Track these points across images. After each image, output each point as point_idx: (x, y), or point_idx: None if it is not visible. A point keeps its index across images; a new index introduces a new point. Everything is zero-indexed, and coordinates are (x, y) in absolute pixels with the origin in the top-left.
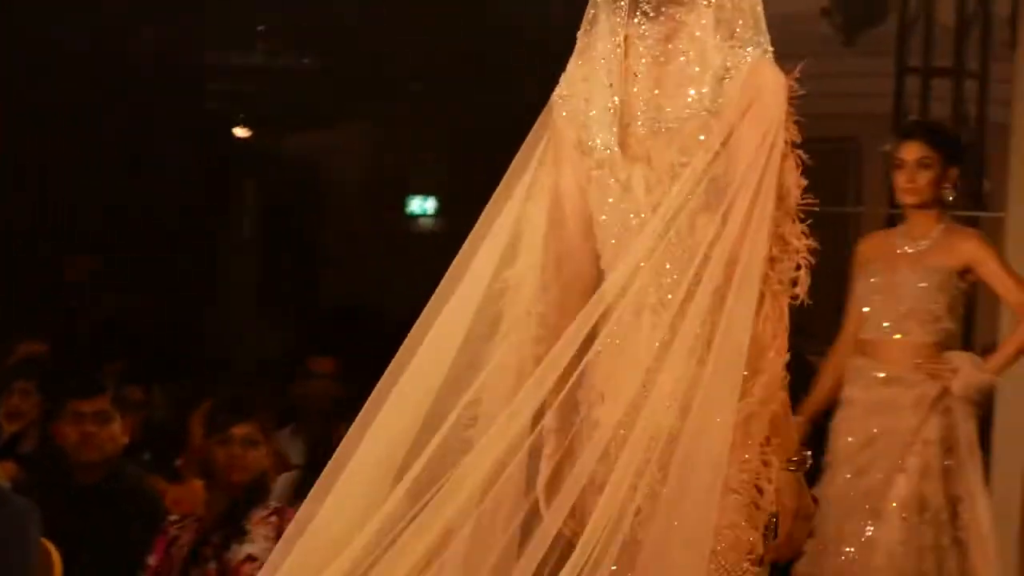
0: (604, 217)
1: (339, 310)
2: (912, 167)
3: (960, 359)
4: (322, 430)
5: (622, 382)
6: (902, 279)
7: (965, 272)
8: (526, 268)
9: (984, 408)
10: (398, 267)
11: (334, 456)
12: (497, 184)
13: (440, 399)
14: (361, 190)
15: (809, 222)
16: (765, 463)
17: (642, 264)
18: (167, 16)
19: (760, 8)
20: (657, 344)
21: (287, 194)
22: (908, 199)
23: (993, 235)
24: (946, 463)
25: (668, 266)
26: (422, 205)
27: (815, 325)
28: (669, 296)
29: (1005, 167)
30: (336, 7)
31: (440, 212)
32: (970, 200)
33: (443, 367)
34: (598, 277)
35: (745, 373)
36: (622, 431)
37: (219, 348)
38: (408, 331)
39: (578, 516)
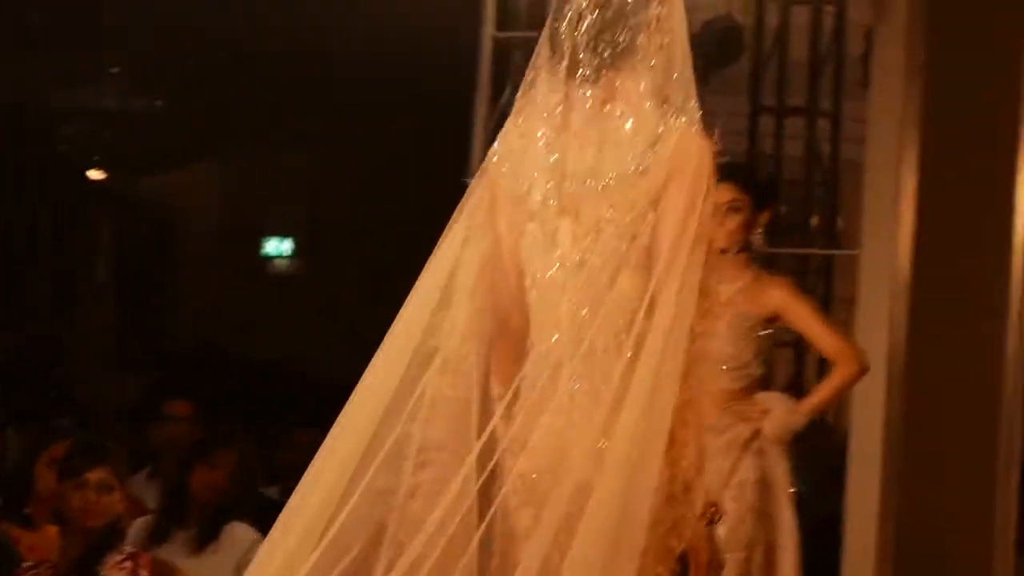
0: (533, 268)
1: (195, 352)
2: (721, 210)
3: (772, 400)
4: (178, 474)
5: (543, 433)
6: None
7: (773, 319)
8: (459, 313)
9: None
10: (255, 308)
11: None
12: (355, 225)
13: (378, 435)
14: (217, 232)
15: None
16: (677, 522)
17: (563, 317)
18: (13, 58)
19: (691, 76)
20: (574, 396)
21: (142, 236)
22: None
23: (848, 273)
24: (764, 503)
25: (588, 319)
26: (278, 247)
27: None
28: (593, 346)
29: (859, 205)
30: (189, 48)
31: (296, 253)
32: (824, 238)
33: (379, 406)
34: (526, 327)
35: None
36: (544, 482)
37: (72, 391)
38: (267, 372)
39: (505, 565)
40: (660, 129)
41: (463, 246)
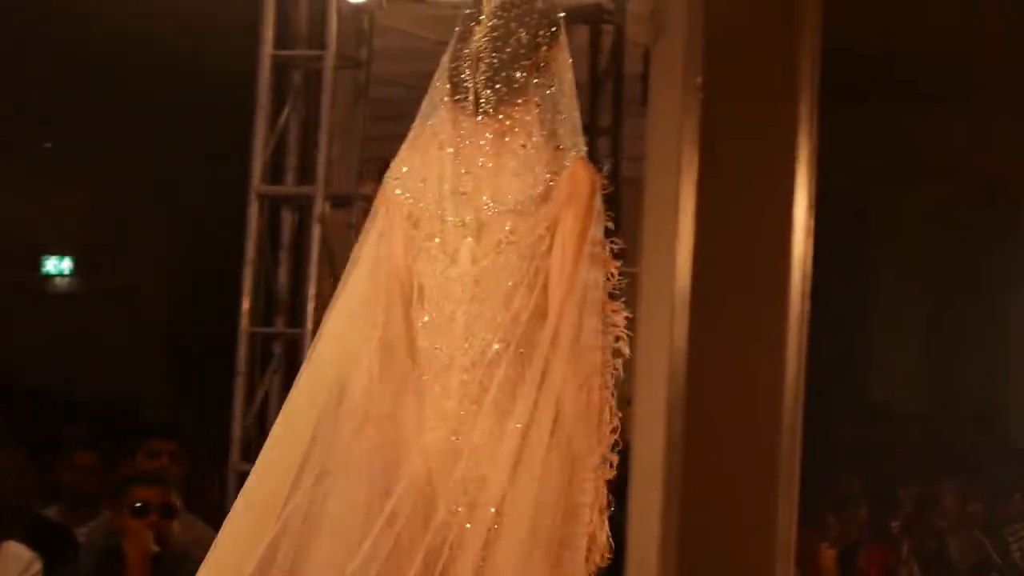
0: (431, 282)
1: None
2: None
3: None
4: None
5: (433, 435)
6: None
7: None
8: (361, 328)
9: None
10: (31, 328)
11: None
12: (137, 242)
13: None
14: None
15: None
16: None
17: (459, 327)
18: None
19: (578, 113)
20: (459, 399)
21: None
22: None
23: (628, 290)
24: None
25: (482, 332)
26: (57, 265)
27: None
28: (480, 356)
29: (639, 223)
30: None
31: (76, 272)
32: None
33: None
34: (412, 339)
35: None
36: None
37: None
38: (45, 394)
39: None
40: (553, 161)
41: (372, 266)
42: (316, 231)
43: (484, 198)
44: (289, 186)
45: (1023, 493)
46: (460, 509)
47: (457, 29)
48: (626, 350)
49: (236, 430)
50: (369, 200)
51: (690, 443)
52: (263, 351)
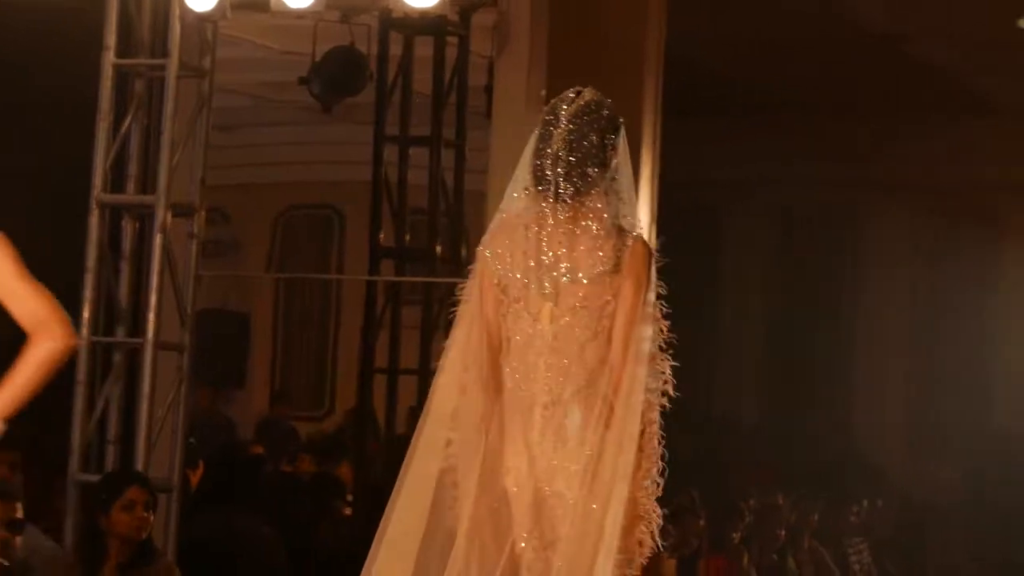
0: (518, 337)
1: None
2: None
3: None
4: None
5: (516, 459)
6: None
7: None
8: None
9: None
10: None
11: None
12: None
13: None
14: None
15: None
16: (640, 542)
17: (540, 374)
18: None
19: (635, 196)
20: (540, 431)
21: None
22: None
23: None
24: None
25: (560, 378)
26: None
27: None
28: (558, 397)
29: (483, 234)
30: None
31: None
32: (449, 267)
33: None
34: (500, 381)
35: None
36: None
37: None
38: None
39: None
40: (619, 241)
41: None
42: (157, 240)
43: (562, 269)
44: (130, 195)
45: (861, 505)
46: (544, 522)
47: (537, 131)
48: (671, 391)
49: (76, 439)
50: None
51: None
52: (103, 360)
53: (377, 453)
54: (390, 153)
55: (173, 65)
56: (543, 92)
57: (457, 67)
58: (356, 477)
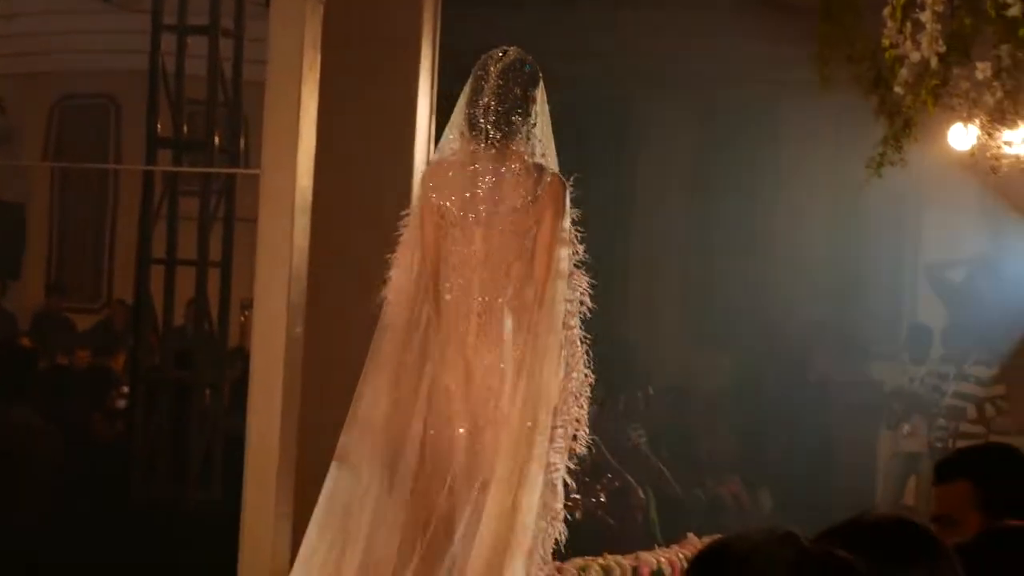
0: (454, 258)
1: None
2: None
3: None
4: None
5: (452, 361)
6: None
7: None
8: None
9: None
10: None
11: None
12: None
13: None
14: None
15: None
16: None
17: (475, 287)
18: None
19: (551, 141)
20: (475, 335)
21: None
22: None
23: (250, 192)
24: None
25: (492, 290)
26: None
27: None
28: (489, 306)
29: (260, 125)
30: None
31: None
32: (227, 157)
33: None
34: (439, 293)
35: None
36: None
37: None
38: None
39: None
40: (539, 177)
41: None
42: None
43: (492, 200)
44: None
45: (636, 394)
46: (477, 411)
47: (469, 84)
48: (588, 303)
49: None
50: None
51: (310, 345)
52: None
53: (155, 345)
54: (167, 42)
55: None
56: None
57: None
58: (134, 369)
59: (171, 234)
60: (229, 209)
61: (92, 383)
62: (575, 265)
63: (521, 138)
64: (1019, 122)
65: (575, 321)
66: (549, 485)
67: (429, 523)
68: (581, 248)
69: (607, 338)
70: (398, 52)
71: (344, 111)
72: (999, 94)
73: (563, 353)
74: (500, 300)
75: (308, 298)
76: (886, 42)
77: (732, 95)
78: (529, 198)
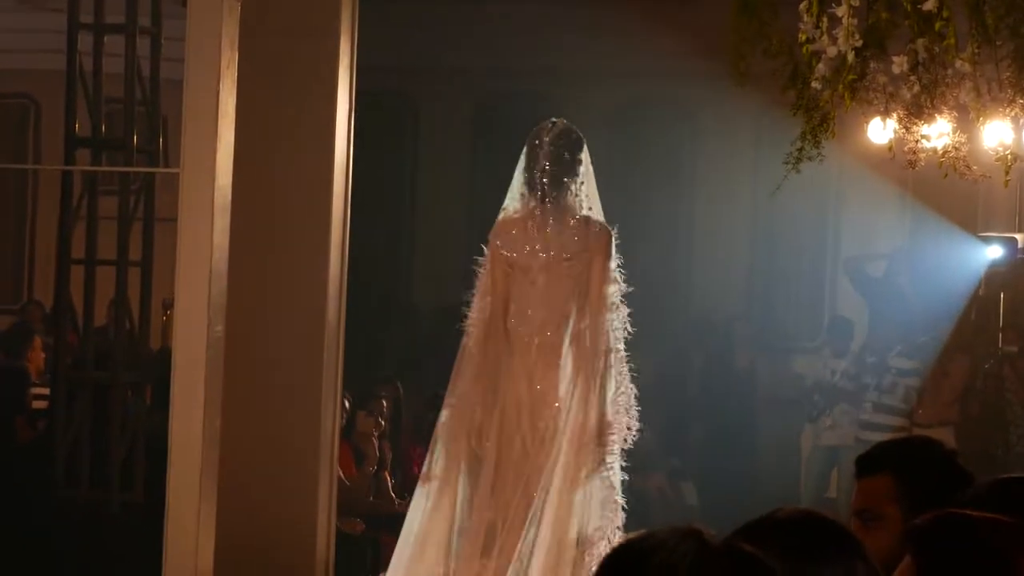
0: (519, 297)
1: None
2: None
3: None
4: None
5: (519, 382)
6: None
7: None
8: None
9: None
10: None
11: None
12: None
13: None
14: None
15: None
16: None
17: (536, 321)
18: None
19: (596, 194)
20: (538, 360)
21: None
22: None
23: (170, 191)
24: None
25: (550, 324)
26: None
27: None
28: (548, 336)
29: (179, 124)
30: None
31: None
32: (147, 157)
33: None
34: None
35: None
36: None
37: None
38: None
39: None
40: (590, 228)
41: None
42: None
43: (549, 249)
44: None
45: None
46: (540, 424)
47: (525, 151)
48: (629, 328)
49: None
50: None
51: (232, 343)
52: None
53: (76, 345)
54: (84, 41)
55: None
56: None
57: None
58: (54, 370)
59: (91, 234)
60: (149, 208)
61: (11, 385)
62: (618, 301)
63: (571, 195)
64: (936, 116)
65: (621, 345)
66: (607, 483)
67: (506, 521)
68: (623, 286)
69: None
70: (317, 46)
71: (262, 107)
72: (916, 88)
73: (612, 372)
74: (560, 330)
75: (229, 298)
76: (803, 37)
77: (649, 91)
78: (581, 246)
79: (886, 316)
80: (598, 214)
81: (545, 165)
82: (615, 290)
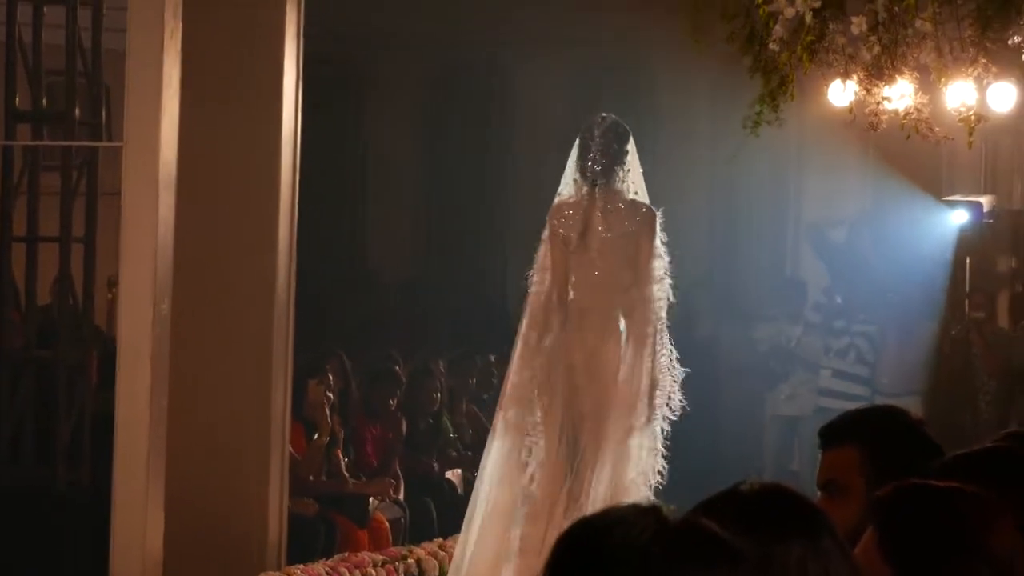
0: (577, 272)
1: None
2: None
3: None
4: None
5: (578, 348)
6: None
7: None
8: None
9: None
10: None
11: None
12: None
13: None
14: None
15: None
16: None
17: (594, 293)
18: None
19: (642, 179)
20: (594, 328)
21: None
22: None
23: (113, 165)
24: None
25: (604, 294)
26: None
27: None
28: (604, 304)
29: (122, 96)
30: None
31: None
32: (88, 130)
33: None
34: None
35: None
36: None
37: None
38: None
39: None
40: (637, 210)
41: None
42: None
43: (601, 229)
44: None
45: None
46: (598, 384)
47: (578, 143)
48: (671, 298)
49: None
50: None
51: (179, 320)
52: None
53: (19, 324)
54: (24, 12)
55: None
56: None
57: None
58: None
59: (32, 210)
60: (92, 183)
61: None
62: (663, 273)
63: (619, 180)
64: (897, 77)
65: (664, 314)
66: (652, 432)
67: (572, 467)
68: (668, 261)
69: (482, 299)
70: (263, 14)
71: (207, 77)
72: (876, 49)
73: (659, 337)
74: (613, 301)
75: (175, 271)
76: None
77: (603, 57)
78: (629, 226)
79: (848, 282)
80: (644, 197)
81: (596, 155)
82: (660, 264)
